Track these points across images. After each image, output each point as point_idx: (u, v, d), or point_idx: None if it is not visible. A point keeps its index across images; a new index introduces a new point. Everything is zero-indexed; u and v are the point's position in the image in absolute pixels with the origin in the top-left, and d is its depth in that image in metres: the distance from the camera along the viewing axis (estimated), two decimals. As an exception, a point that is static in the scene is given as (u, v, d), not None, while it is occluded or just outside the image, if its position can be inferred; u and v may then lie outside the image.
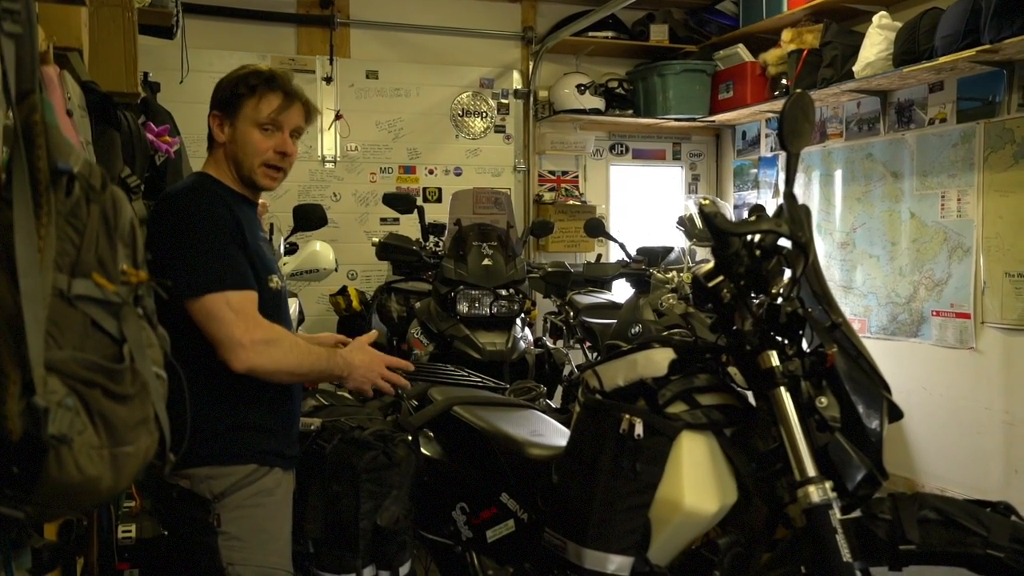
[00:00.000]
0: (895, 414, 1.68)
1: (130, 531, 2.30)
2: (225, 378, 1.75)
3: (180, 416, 1.26)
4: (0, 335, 0.81)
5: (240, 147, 1.87)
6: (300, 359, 1.78)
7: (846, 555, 1.53)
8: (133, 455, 0.94)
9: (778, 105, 5.28)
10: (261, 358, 1.72)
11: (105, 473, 0.89)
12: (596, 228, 4.95)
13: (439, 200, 5.79)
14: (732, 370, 1.80)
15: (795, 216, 1.73)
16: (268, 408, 1.86)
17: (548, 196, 6.08)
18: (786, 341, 1.71)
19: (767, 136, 5.95)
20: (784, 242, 1.73)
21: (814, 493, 1.57)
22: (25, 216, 0.84)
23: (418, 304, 4.31)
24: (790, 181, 1.78)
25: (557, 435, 2.17)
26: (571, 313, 4.86)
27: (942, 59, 4.04)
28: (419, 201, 4.99)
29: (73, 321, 0.89)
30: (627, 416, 1.70)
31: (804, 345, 1.71)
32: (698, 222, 4.78)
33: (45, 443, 0.82)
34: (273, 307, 1.86)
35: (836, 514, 1.56)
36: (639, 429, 1.68)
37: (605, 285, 4.99)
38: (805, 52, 4.98)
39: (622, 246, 4.98)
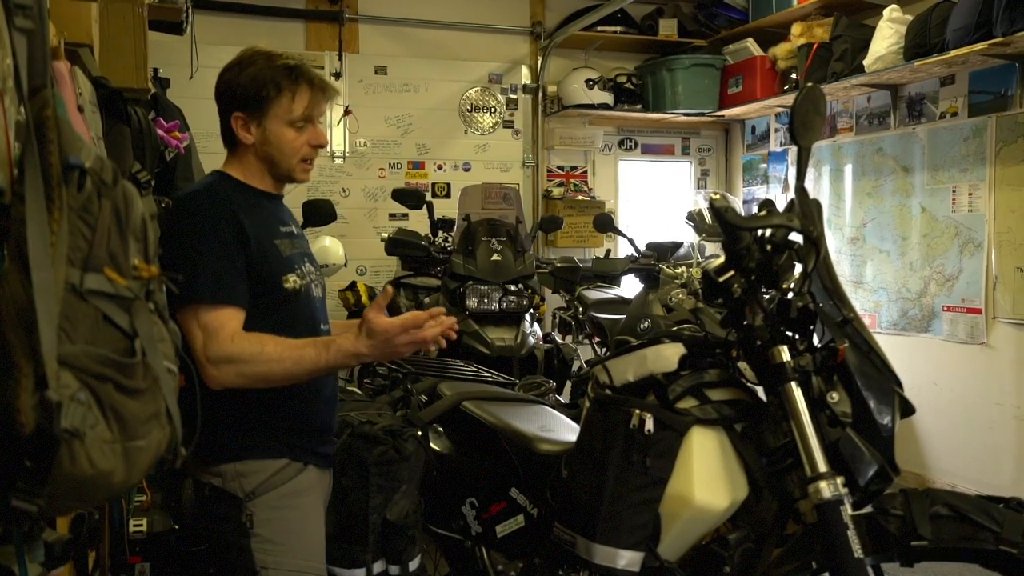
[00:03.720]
0: (907, 409, 1.68)
1: (141, 525, 2.31)
2: None
3: (191, 410, 1.26)
4: (13, 329, 0.82)
5: (276, 148, 1.81)
6: (270, 369, 1.67)
7: (857, 551, 1.53)
8: (145, 449, 0.94)
9: (788, 99, 5.26)
10: (225, 377, 1.66)
11: (117, 467, 0.89)
12: (605, 223, 4.94)
13: (448, 196, 5.79)
14: (742, 365, 1.79)
15: (806, 210, 1.72)
16: (299, 407, 1.81)
17: (557, 191, 6.07)
18: (797, 336, 1.70)
19: (777, 131, 5.92)
20: (795, 237, 1.72)
21: (825, 488, 1.57)
22: (37, 210, 0.84)
23: (427, 299, 4.32)
24: (801, 175, 1.77)
25: (566, 430, 2.17)
26: (580, 308, 4.85)
27: (954, 52, 4.01)
28: (428, 196, 5.00)
29: (85, 315, 0.89)
30: (637, 411, 1.69)
31: (815, 340, 1.70)
32: (707, 217, 4.76)
33: (58, 437, 0.82)
34: (287, 310, 1.78)
35: (847, 509, 1.56)
36: (649, 424, 1.68)
37: (614, 280, 4.98)
38: (815, 46, 4.95)
39: (631, 241, 4.97)
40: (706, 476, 1.69)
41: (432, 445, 2.26)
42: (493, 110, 6.00)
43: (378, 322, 1.69)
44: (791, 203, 1.75)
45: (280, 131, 1.80)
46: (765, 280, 1.73)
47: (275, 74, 1.78)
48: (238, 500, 1.74)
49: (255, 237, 1.76)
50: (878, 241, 4.98)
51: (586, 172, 6.28)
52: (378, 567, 2.00)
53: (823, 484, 1.57)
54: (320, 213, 4.21)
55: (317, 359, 1.69)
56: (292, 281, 1.79)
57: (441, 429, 2.37)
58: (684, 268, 4.24)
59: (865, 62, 4.56)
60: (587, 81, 5.83)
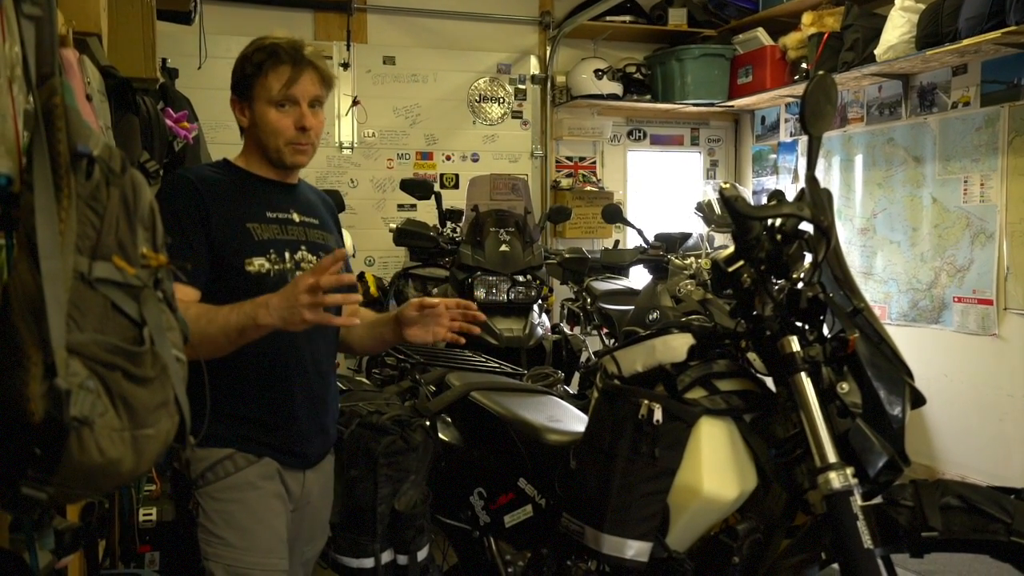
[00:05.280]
0: (917, 400, 1.67)
1: (151, 514, 2.33)
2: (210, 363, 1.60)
3: (199, 399, 1.26)
4: (22, 317, 0.82)
5: (261, 129, 1.78)
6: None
7: (867, 541, 1.52)
8: (154, 437, 0.94)
9: (798, 90, 5.23)
10: None
11: (126, 455, 0.90)
12: (614, 214, 4.93)
13: (456, 186, 5.78)
14: (752, 356, 1.78)
15: (817, 200, 1.71)
16: (261, 400, 1.75)
17: (565, 182, 6.06)
18: (807, 326, 1.69)
19: (786, 121, 5.89)
20: (806, 226, 1.71)
21: (835, 479, 1.56)
22: (46, 199, 0.84)
23: (435, 290, 4.32)
24: (812, 164, 1.76)
25: (575, 421, 2.17)
26: (588, 299, 4.85)
27: (966, 41, 3.98)
28: (436, 187, 5.00)
29: (94, 304, 0.89)
30: (646, 401, 1.69)
31: (825, 330, 1.69)
32: (716, 208, 4.75)
33: (67, 425, 0.82)
34: (253, 292, 1.67)
35: (857, 500, 1.55)
36: (658, 415, 1.67)
37: (623, 271, 4.97)
38: (826, 35, 4.92)
39: (640, 232, 4.96)
40: (715, 467, 1.69)
41: (440, 435, 2.27)
42: (502, 100, 5.99)
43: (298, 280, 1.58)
44: (801, 192, 1.74)
45: (263, 111, 1.77)
46: (775, 270, 1.72)
47: (255, 54, 1.76)
48: (188, 487, 1.73)
49: (220, 220, 1.72)
50: (888, 232, 4.96)
51: (595, 163, 6.26)
52: (386, 557, 2.00)
53: (832, 475, 1.56)
54: (328, 204, 4.19)
55: (228, 315, 1.59)
56: (257, 265, 1.73)
57: (449, 419, 2.37)
58: (693, 259, 4.23)
59: (876, 51, 4.53)
60: (596, 71, 5.81)
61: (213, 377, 1.61)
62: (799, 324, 1.69)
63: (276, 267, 1.76)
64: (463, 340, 1.86)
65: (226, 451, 1.73)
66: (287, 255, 1.79)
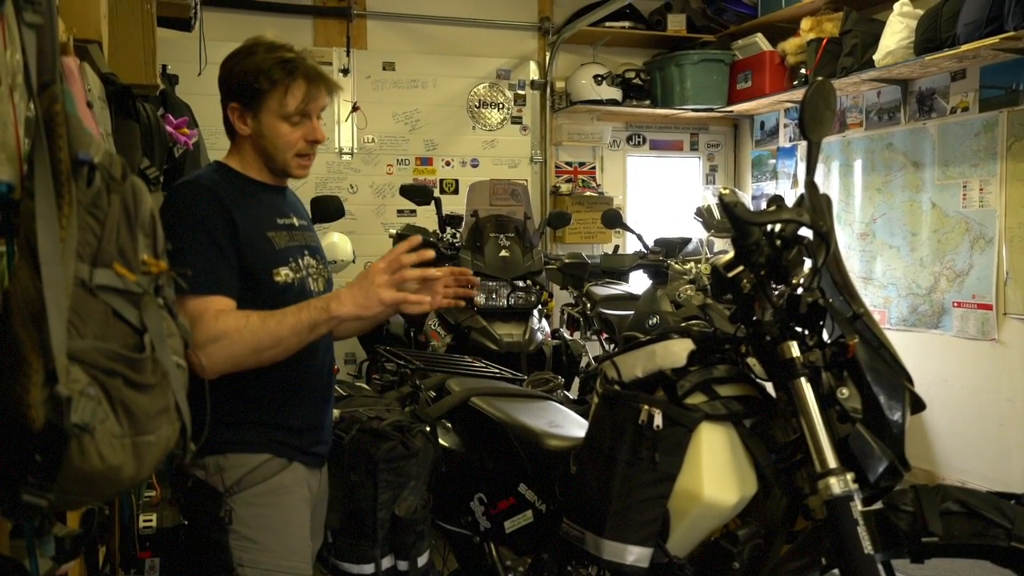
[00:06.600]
0: (917, 405, 1.67)
1: (151, 520, 2.32)
2: (240, 372, 1.67)
3: (200, 405, 1.26)
4: (23, 324, 0.82)
5: (269, 141, 1.76)
6: (256, 335, 1.62)
7: (867, 547, 1.52)
8: (154, 444, 0.94)
9: (797, 95, 5.24)
10: (213, 358, 1.60)
11: (127, 462, 0.90)
12: (613, 219, 4.93)
13: (456, 192, 5.79)
14: (751, 361, 1.78)
15: (816, 205, 1.71)
16: (281, 402, 1.78)
17: (565, 187, 6.07)
18: (806, 332, 1.69)
19: (786, 126, 5.90)
20: (805, 232, 1.71)
21: (835, 484, 1.56)
22: (47, 206, 0.84)
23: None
24: (811, 170, 1.76)
25: (575, 426, 2.17)
26: (588, 304, 4.85)
27: (965, 47, 3.99)
28: (436, 193, 5.00)
29: (95, 311, 0.89)
30: (646, 407, 1.69)
31: (825, 336, 1.70)
32: (716, 212, 4.75)
33: (68, 432, 0.82)
34: (279, 304, 1.71)
35: (857, 506, 1.55)
36: (658, 420, 1.67)
37: (622, 276, 4.97)
38: (825, 41, 4.93)
39: (639, 237, 4.96)
40: (715, 472, 1.69)
41: (440, 441, 2.26)
42: (501, 106, 6.00)
43: (369, 271, 1.69)
44: (801, 198, 1.74)
45: (274, 125, 1.75)
46: (774, 275, 1.72)
47: (270, 66, 1.73)
48: (218, 494, 1.72)
49: (245, 228, 1.72)
50: (888, 237, 4.96)
51: (594, 168, 6.27)
52: (387, 563, 2.00)
53: (833, 480, 1.56)
54: (328, 209, 4.21)
55: (298, 314, 1.66)
56: (283, 275, 1.76)
57: (449, 425, 2.37)
58: (693, 264, 4.23)
59: (875, 57, 4.53)
60: (595, 77, 5.82)
61: (240, 386, 1.69)
62: (799, 329, 1.69)
63: (297, 276, 1.79)
64: (462, 303, 1.88)
65: (262, 456, 1.75)
66: (300, 262, 1.82)
